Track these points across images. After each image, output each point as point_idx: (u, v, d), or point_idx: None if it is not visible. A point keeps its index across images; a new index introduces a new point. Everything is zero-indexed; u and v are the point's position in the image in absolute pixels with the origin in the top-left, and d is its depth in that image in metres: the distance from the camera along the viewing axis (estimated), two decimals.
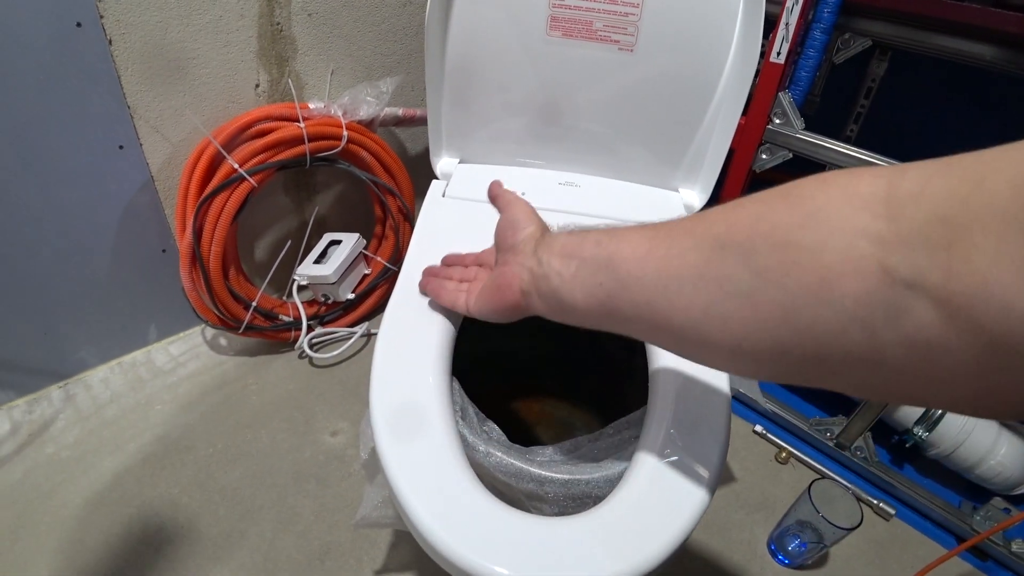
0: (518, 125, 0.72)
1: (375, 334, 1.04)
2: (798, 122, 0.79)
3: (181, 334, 1.05)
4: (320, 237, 0.97)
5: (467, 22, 0.67)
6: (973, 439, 0.83)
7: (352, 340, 1.01)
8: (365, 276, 0.98)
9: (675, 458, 0.43)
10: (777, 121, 0.80)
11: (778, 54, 0.78)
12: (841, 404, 0.96)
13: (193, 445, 0.89)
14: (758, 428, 0.95)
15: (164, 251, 0.93)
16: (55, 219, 0.82)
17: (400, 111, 0.93)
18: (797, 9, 0.76)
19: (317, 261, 0.91)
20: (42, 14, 0.71)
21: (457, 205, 0.67)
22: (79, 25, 0.73)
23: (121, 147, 0.82)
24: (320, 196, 1.02)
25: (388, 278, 0.99)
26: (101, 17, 0.73)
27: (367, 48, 0.94)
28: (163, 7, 0.76)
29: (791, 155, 0.81)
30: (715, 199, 0.75)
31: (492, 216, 0.66)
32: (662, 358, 0.54)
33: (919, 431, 0.85)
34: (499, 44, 0.68)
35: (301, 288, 0.95)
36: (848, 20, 0.85)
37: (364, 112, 0.87)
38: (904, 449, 0.90)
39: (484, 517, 0.38)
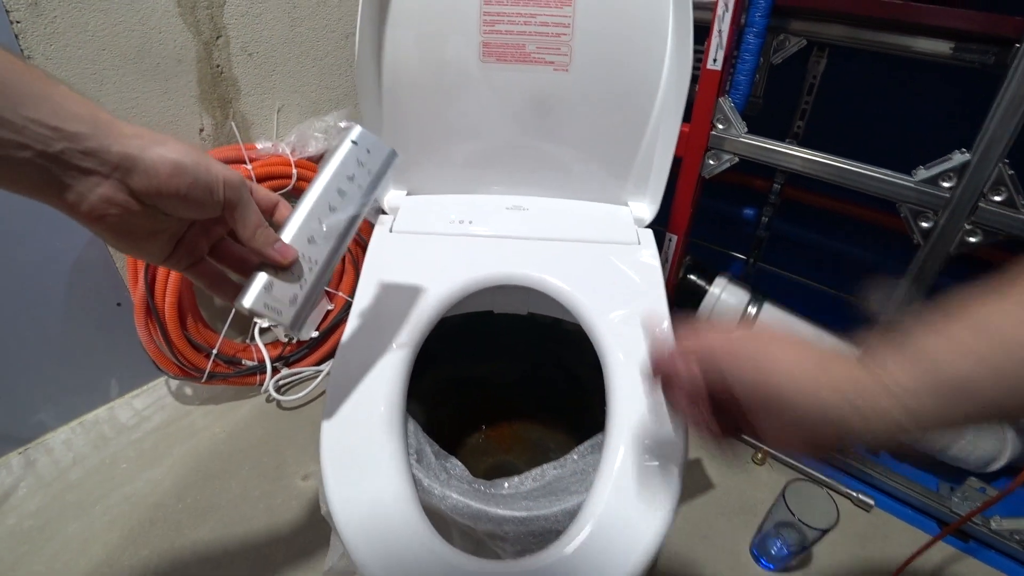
0: (461, 152, 0.72)
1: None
2: (740, 126, 0.80)
3: (144, 387, 1.02)
4: None
5: (399, 52, 0.67)
6: None
7: (319, 379, 0.99)
8: (328, 312, 0.97)
9: (633, 484, 0.43)
10: (720, 127, 0.81)
11: (714, 61, 0.79)
12: None
13: (162, 502, 0.86)
14: None
15: (119, 304, 0.91)
16: (2, 280, 0.80)
17: None
18: (728, 16, 0.77)
19: None
20: None
21: (405, 240, 0.67)
22: None
23: None
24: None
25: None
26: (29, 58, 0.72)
27: (311, 83, 0.93)
28: (95, 59, 0.75)
29: (737, 159, 0.82)
30: (665, 209, 0.75)
31: (441, 248, 0.66)
32: (619, 377, 0.53)
33: None
34: (434, 72, 0.68)
35: (263, 330, 0.93)
36: (781, 22, 0.87)
37: (313, 148, 0.87)
38: None
39: (435, 565, 0.37)
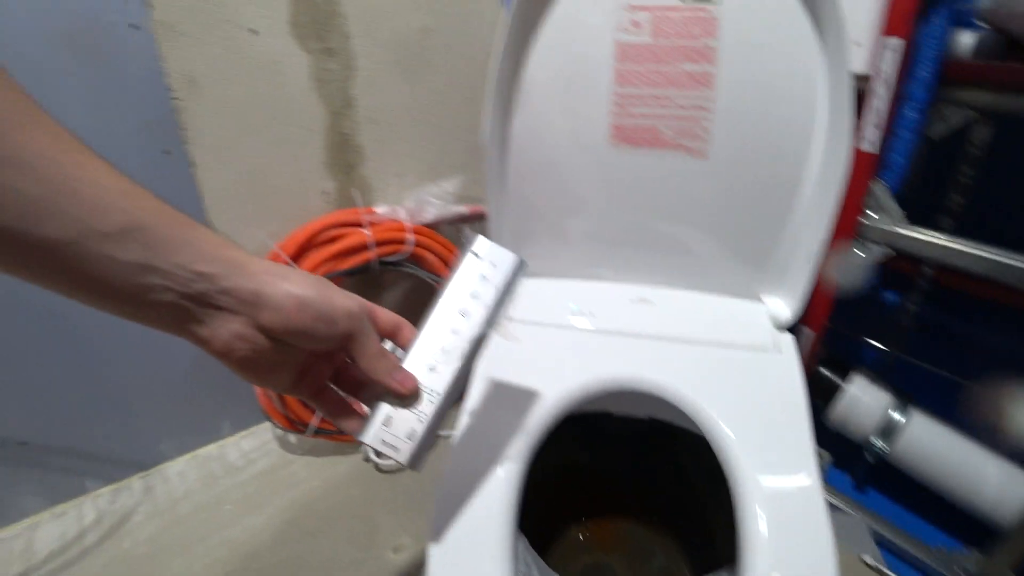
0: (585, 236, 0.68)
1: (441, 436, 1.01)
2: (896, 214, 0.71)
3: (252, 429, 1.07)
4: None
5: (526, 130, 0.66)
6: None
7: None
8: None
9: None
10: (872, 215, 0.72)
11: (868, 142, 0.71)
12: (974, 530, 0.83)
13: (257, 551, 0.88)
14: (867, 558, 0.83)
15: None
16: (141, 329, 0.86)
17: (465, 209, 0.93)
18: (887, 93, 0.69)
19: None
20: (136, 144, 0.77)
21: (522, 331, 0.64)
22: (167, 152, 0.78)
23: None
24: (388, 294, 1.03)
25: None
26: (185, 144, 0.78)
27: (431, 148, 0.95)
28: (239, 129, 0.79)
29: (892, 252, 0.72)
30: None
31: (560, 344, 0.62)
32: (755, 519, 0.47)
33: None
34: (561, 154, 0.66)
35: None
36: (945, 91, 0.77)
37: (429, 214, 0.87)
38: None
39: None
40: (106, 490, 0.97)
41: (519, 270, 0.42)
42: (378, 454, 1.00)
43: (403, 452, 0.37)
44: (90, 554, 0.88)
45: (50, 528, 0.91)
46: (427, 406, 0.38)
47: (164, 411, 0.97)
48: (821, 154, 0.61)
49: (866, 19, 0.70)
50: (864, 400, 0.84)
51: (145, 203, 0.27)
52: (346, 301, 0.34)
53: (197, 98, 0.76)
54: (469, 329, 0.39)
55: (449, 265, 0.91)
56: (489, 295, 0.40)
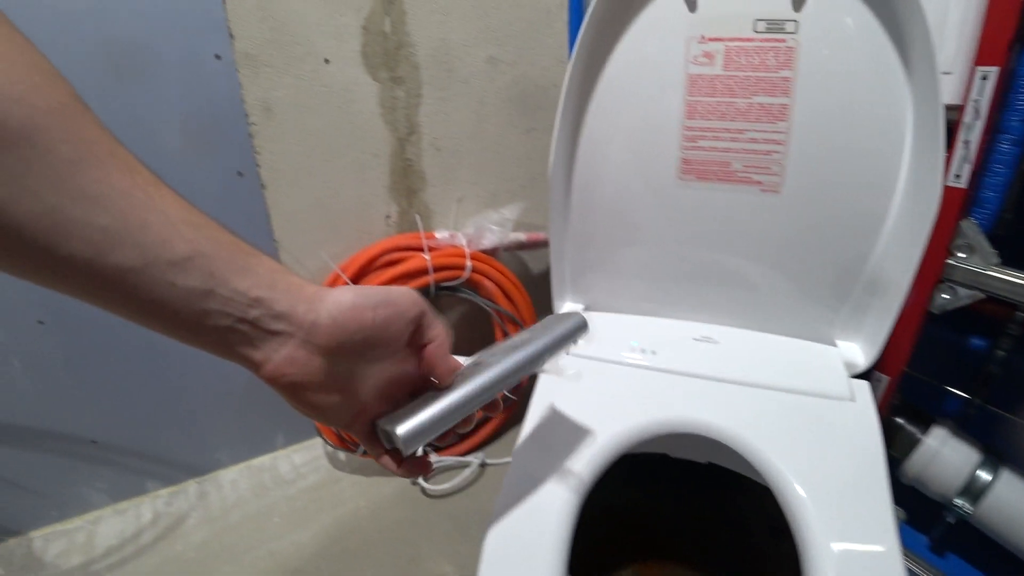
0: (649, 271, 0.67)
1: (489, 464, 1.01)
2: (989, 255, 0.66)
3: (305, 443, 1.09)
4: None
5: (593, 164, 0.65)
6: None
7: (466, 472, 0.97)
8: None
9: None
10: (960, 255, 0.67)
11: (957, 176, 0.66)
12: None
13: (302, 568, 0.88)
14: None
15: None
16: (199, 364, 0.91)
17: (524, 236, 0.93)
18: (980, 125, 0.65)
19: None
20: (213, 168, 0.81)
21: (582, 366, 0.62)
22: (240, 175, 0.82)
23: None
24: (444, 318, 1.03)
25: (508, 407, 0.96)
26: (258, 167, 0.81)
27: (492, 175, 0.95)
28: (309, 153, 0.82)
29: (982, 295, 0.67)
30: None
31: (620, 381, 0.60)
32: (819, 556, 0.43)
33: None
34: (626, 186, 0.64)
35: None
36: None
37: (488, 241, 0.87)
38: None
39: None
40: (164, 492, 1.01)
41: (580, 330, 0.43)
42: (422, 476, 0.99)
43: (403, 425, 0.35)
44: (145, 553, 0.91)
45: (111, 524, 0.95)
46: (447, 394, 0.37)
47: (223, 420, 1.00)
48: (906, 191, 0.57)
49: (955, 45, 0.66)
50: (945, 454, 0.77)
51: (209, 232, 0.28)
52: (403, 289, 0.34)
53: (271, 124, 0.79)
54: (515, 356, 0.39)
55: (506, 292, 0.91)
56: (543, 337, 0.41)
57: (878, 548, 0.45)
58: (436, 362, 0.35)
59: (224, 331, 0.29)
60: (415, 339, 0.35)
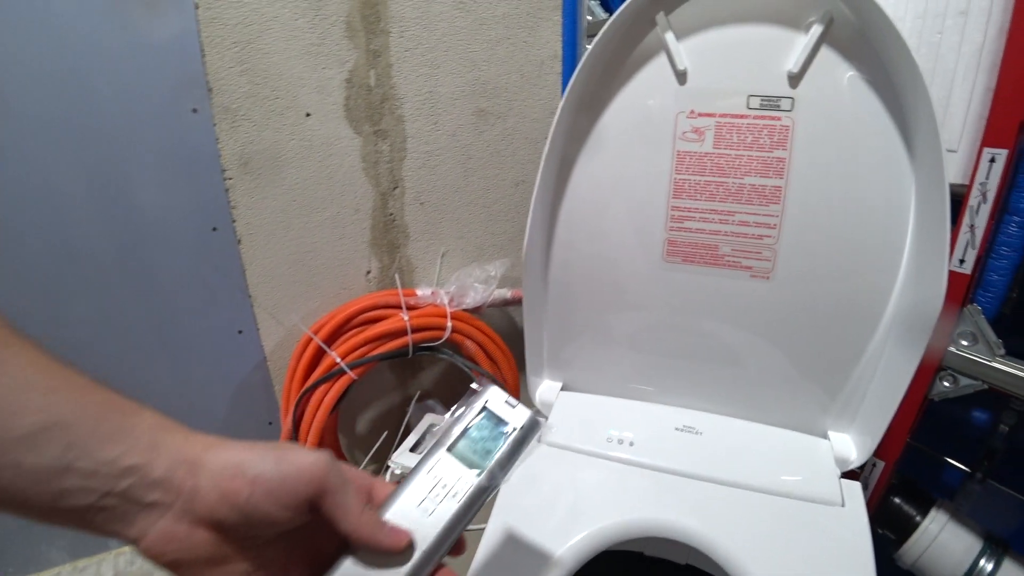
0: (630, 353, 0.63)
1: (470, 529, 0.96)
2: (994, 345, 0.62)
3: None
4: (423, 416, 0.93)
5: (572, 238, 0.62)
6: None
7: None
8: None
9: None
10: (964, 343, 0.64)
11: (961, 262, 0.63)
12: None
13: None
14: None
15: (271, 423, 0.94)
16: (181, 393, 0.88)
17: (509, 293, 0.90)
18: (986, 209, 0.62)
19: (414, 448, 0.87)
20: (187, 221, 0.78)
21: (554, 457, 0.59)
22: (215, 229, 0.79)
23: (240, 332, 0.86)
24: (424, 375, 1.00)
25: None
26: (233, 221, 0.79)
27: (477, 230, 0.92)
28: (286, 208, 0.80)
29: (985, 386, 0.63)
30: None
31: (594, 475, 0.55)
32: None
33: None
34: (610, 265, 0.61)
35: (395, 475, 0.90)
36: None
37: (471, 300, 0.84)
38: None
39: None
40: (127, 549, 0.98)
41: (534, 429, 0.37)
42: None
43: None
44: None
45: None
46: (405, 562, 0.32)
47: None
48: (907, 280, 0.54)
49: (961, 122, 0.63)
50: (944, 540, 0.73)
51: (71, 395, 0.24)
52: (307, 457, 0.28)
53: (247, 177, 0.77)
54: (464, 487, 0.34)
55: (488, 353, 0.88)
56: (496, 449, 0.35)
57: None
58: (352, 537, 0.30)
59: (85, 510, 0.24)
60: (322, 508, 0.29)
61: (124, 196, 0.76)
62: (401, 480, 0.34)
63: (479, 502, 0.34)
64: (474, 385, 0.39)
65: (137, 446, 0.25)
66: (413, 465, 0.34)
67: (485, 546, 0.51)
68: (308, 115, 0.77)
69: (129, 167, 0.75)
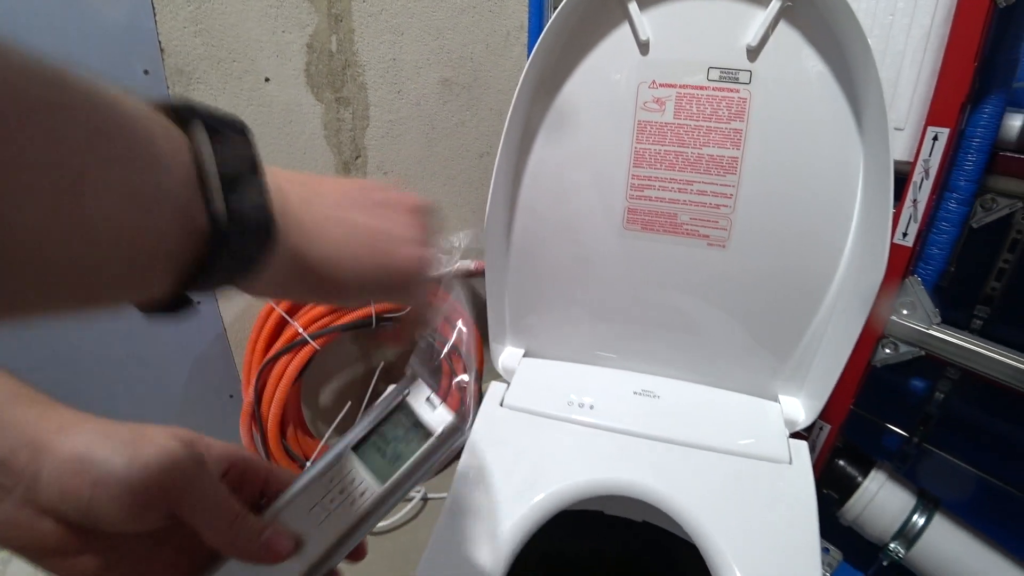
0: (590, 320, 0.65)
1: (432, 499, 0.98)
2: (932, 314, 0.66)
3: None
4: (386, 387, 0.93)
5: (535, 206, 0.62)
6: None
7: (407, 507, 0.94)
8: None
9: None
10: (904, 312, 0.67)
11: (904, 235, 0.66)
12: None
13: None
14: None
15: (231, 396, 0.93)
16: (136, 367, 0.85)
17: (473, 264, 0.90)
18: (928, 184, 0.65)
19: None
20: None
21: (516, 420, 0.60)
22: None
23: (198, 303, 0.84)
24: (387, 349, 1.00)
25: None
26: None
27: (441, 200, 0.92)
28: None
29: (922, 352, 0.67)
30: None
31: (555, 437, 0.57)
32: None
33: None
34: (569, 233, 0.62)
35: None
36: (991, 180, 0.72)
37: (435, 271, 0.84)
38: None
39: None
40: None
41: (456, 435, 0.33)
42: None
43: None
44: None
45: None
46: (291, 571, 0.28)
47: None
48: (854, 250, 0.57)
49: (908, 102, 0.66)
50: (882, 498, 0.78)
51: None
52: (164, 458, 0.24)
53: None
54: (364, 495, 0.30)
55: (451, 324, 0.88)
56: (404, 460, 0.31)
57: None
58: (220, 550, 0.26)
59: None
60: (181, 517, 0.25)
61: None
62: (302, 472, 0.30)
63: (380, 513, 0.30)
64: (391, 389, 0.35)
65: None
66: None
67: (448, 509, 0.52)
68: (267, 80, 0.75)
69: None
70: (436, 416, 0.33)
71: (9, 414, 0.23)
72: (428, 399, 0.33)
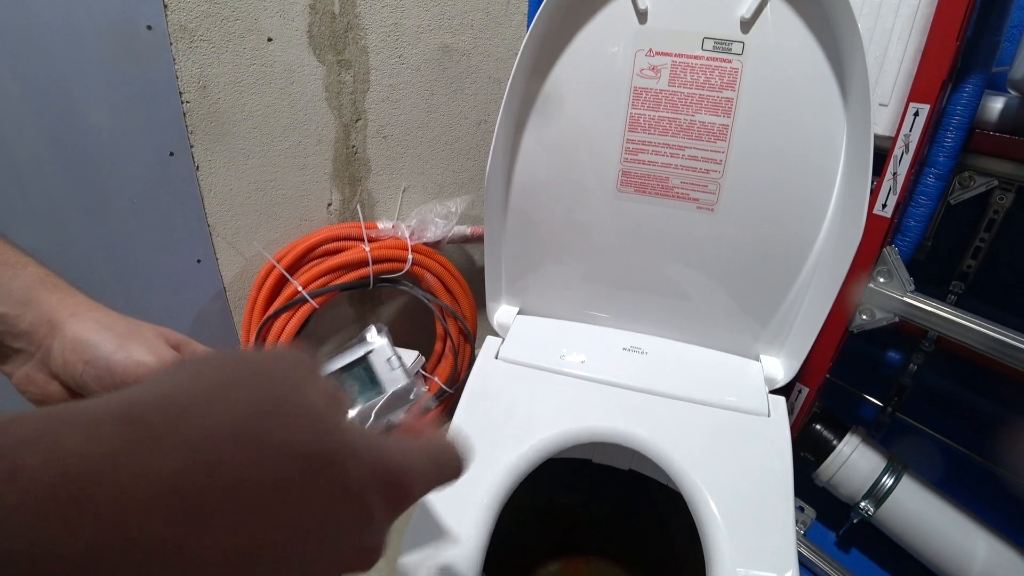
0: (583, 279, 0.67)
1: None
2: (907, 283, 0.70)
3: None
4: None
5: (533, 167, 0.65)
6: None
7: None
8: (422, 395, 0.95)
9: None
10: (881, 280, 0.70)
11: (883, 206, 0.69)
12: None
13: None
14: None
15: None
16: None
17: (468, 230, 0.92)
18: (908, 158, 0.67)
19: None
20: (141, 146, 0.76)
21: (510, 371, 0.63)
22: (172, 154, 0.77)
23: (199, 261, 0.85)
24: (384, 309, 1.02)
25: (444, 400, 0.96)
26: (191, 146, 0.77)
27: (439, 166, 0.94)
28: (247, 135, 0.79)
29: (896, 319, 0.71)
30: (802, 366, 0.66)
31: (547, 388, 0.60)
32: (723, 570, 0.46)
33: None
34: (565, 194, 0.64)
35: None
36: (969, 158, 0.75)
37: (431, 234, 0.86)
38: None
39: None
40: None
41: (404, 398, 0.35)
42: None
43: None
44: None
45: None
46: None
47: None
48: (835, 217, 0.59)
49: (893, 79, 0.68)
50: (855, 460, 0.82)
51: None
52: (147, 355, 0.29)
53: (206, 102, 0.75)
54: None
55: (447, 286, 0.90)
56: (369, 405, 0.33)
57: (777, 569, 0.48)
58: None
59: None
60: None
61: (71, 116, 0.73)
62: None
63: None
64: (368, 334, 0.36)
65: (9, 299, 0.28)
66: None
67: None
68: (270, 40, 0.76)
69: (75, 85, 0.72)
70: (394, 376, 0.35)
71: (36, 295, 0.28)
72: (388, 360, 0.35)
